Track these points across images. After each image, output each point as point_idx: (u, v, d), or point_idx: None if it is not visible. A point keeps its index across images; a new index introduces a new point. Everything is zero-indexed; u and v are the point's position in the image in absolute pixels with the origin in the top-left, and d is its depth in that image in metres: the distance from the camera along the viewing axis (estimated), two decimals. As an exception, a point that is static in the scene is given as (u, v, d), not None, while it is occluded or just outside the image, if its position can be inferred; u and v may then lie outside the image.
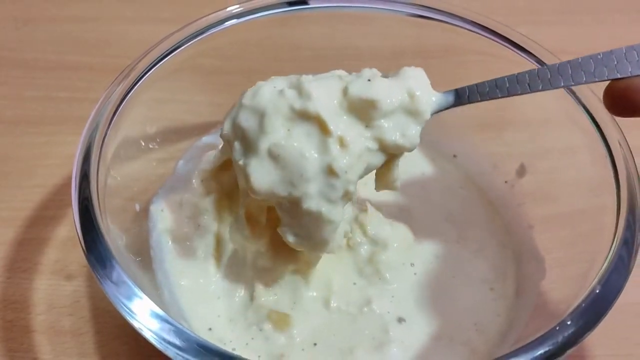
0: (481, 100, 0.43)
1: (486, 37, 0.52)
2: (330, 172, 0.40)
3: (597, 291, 0.37)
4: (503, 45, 0.52)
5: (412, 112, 0.41)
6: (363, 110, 0.40)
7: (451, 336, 0.46)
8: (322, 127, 0.40)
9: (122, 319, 0.38)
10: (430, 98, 0.42)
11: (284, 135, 0.40)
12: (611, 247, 0.40)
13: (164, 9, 0.79)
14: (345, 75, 0.43)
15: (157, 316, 0.37)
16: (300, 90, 0.41)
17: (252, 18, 0.54)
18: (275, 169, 0.40)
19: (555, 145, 0.47)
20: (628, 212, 0.41)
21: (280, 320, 0.46)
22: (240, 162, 0.41)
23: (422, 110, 0.41)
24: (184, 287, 0.47)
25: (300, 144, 0.40)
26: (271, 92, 0.41)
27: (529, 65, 0.51)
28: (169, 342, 0.36)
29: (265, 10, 0.54)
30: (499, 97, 0.42)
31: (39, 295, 0.52)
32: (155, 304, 0.37)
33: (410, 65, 0.56)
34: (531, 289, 0.48)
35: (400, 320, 0.47)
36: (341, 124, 0.40)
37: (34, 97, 0.68)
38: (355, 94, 0.40)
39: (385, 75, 0.43)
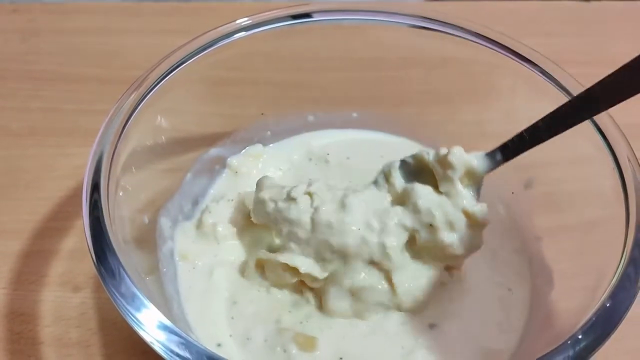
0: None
1: (489, 47, 0.53)
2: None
3: (608, 305, 0.37)
4: (506, 55, 0.53)
5: (472, 225, 0.45)
6: (435, 250, 0.46)
7: (477, 338, 0.46)
8: (389, 279, 0.46)
9: (129, 331, 0.37)
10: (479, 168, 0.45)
11: (364, 277, 0.46)
12: (620, 262, 0.39)
13: (169, 21, 0.79)
14: (403, 214, 0.46)
15: (166, 328, 0.37)
16: (382, 248, 0.45)
17: (258, 31, 0.54)
18: (353, 301, 0.47)
19: (562, 156, 0.47)
20: (637, 229, 0.41)
21: (307, 343, 0.45)
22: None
23: (481, 220, 0.45)
24: (195, 308, 0.48)
25: (376, 285, 0.46)
26: (355, 235, 0.45)
27: (533, 76, 0.51)
28: (177, 354, 0.36)
29: (270, 24, 0.54)
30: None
31: (46, 307, 0.52)
32: (164, 316, 0.37)
33: (414, 74, 0.58)
34: (541, 299, 0.48)
35: (432, 326, 0.47)
36: (406, 275, 0.47)
37: (40, 109, 0.68)
38: (425, 242, 0.46)
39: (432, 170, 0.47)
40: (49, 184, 0.60)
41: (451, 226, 0.45)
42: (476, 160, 0.45)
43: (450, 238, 0.45)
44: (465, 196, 0.45)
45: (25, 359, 0.49)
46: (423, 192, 0.46)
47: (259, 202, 0.48)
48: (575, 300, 0.43)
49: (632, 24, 0.78)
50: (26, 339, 0.50)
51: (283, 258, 0.47)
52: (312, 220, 0.46)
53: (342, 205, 0.46)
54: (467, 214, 0.45)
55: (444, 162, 0.46)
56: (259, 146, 0.58)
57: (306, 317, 0.47)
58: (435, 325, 0.47)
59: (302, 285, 0.48)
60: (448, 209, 0.45)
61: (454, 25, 0.54)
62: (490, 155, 0.45)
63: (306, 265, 0.47)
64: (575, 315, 0.39)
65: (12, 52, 0.74)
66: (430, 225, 0.45)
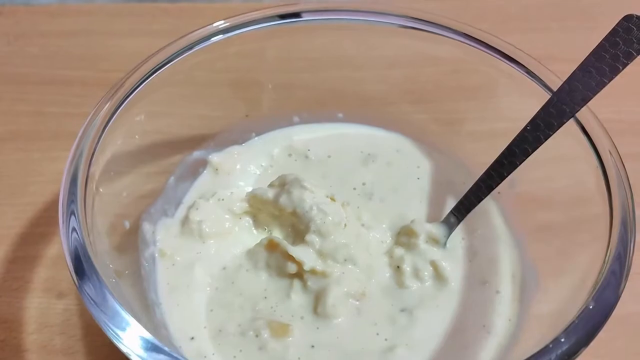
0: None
1: (473, 46, 0.52)
2: None
3: (591, 307, 0.37)
4: (490, 54, 0.52)
5: (440, 278, 0.49)
6: None
7: (461, 339, 0.46)
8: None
9: (113, 338, 0.37)
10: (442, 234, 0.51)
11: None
12: (605, 260, 0.39)
13: (156, 22, 0.79)
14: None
15: (148, 343, 0.36)
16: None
17: (243, 31, 0.53)
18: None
19: (545, 155, 0.47)
20: (621, 225, 0.40)
21: (280, 329, 0.45)
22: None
23: (446, 277, 0.49)
24: (172, 304, 0.47)
25: None
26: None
27: (517, 74, 0.51)
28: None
29: (257, 24, 0.54)
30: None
31: (30, 313, 0.52)
32: (146, 325, 0.37)
33: (401, 73, 0.57)
34: (527, 300, 0.48)
35: (414, 323, 0.47)
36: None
37: (26, 112, 0.68)
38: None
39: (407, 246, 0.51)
40: (33, 189, 0.60)
41: (421, 278, 0.49)
42: (434, 228, 0.50)
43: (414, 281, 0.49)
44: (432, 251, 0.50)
45: (10, 366, 0.49)
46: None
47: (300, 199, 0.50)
48: (561, 300, 0.43)
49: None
50: (10, 346, 0.50)
51: (292, 250, 0.48)
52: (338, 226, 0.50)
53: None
54: (433, 265, 0.49)
55: (408, 232, 0.51)
56: (237, 146, 0.58)
57: (283, 305, 0.48)
58: (417, 323, 0.47)
59: (297, 278, 0.48)
60: (420, 265, 0.49)
61: (440, 25, 0.54)
62: (446, 220, 0.51)
63: (312, 262, 0.47)
64: (561, 316, 0.39)
65: (-3, 55, 0.74)
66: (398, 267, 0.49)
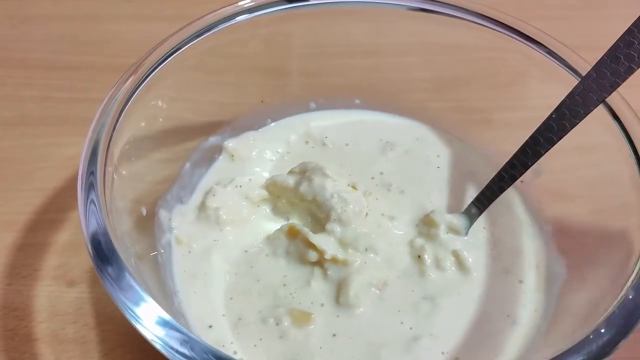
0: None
1: (495, 30, 0.51)
2: None
3: (630, 297, 0.36)
4: (513, 38, 0.51)
5: (462, 268, 0.48)
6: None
7: (485, 330, 0.45)
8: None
9: (127, 326, 0.36)
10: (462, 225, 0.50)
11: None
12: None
13: (163, 7, 0.77)
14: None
15: (165, 323, 0.35)
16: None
17: (255, 15, 0.52)
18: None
19: (573, 143, 0.46)
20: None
21: (302, 318, 0.45)
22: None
23: (468, 266, 0.48)
24: (189, 292, 0.46)
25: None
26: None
27: (543, 60, 0.49)
28: (177, 351, 0.34)
29: (267, 8, 0.52)
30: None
31: (40, 302, 0.51)
32: (164, 309, 0.36)
33: (420, 59, 0.56)
34: (553, 291, 0.47)
35: (437, 313, 0.46)
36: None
37: (32, 97, 0.66)
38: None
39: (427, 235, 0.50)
40: (41, 175, 0.59)
41: (445, 270, 0.48)
42: (455, 219, 0.49)
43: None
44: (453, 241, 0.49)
45: (20, 356, 0.48)
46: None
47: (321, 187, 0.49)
48: (592, 292, 0.42)
49: (635, 8, 0.76)
50: (21, 335, 0.49)
51: (313, 238, 0.47)
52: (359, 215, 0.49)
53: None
54: (455, 255, 0.48)
55: (428, 222, 0.50)
56: (253, 132, 0.57)
57: (302, 292, 0.47)
58: (440, 311, 0.46)
59: (317, 265, 0.48)
60: (442, 258, 0.48)
61: (458, 7, 0.52)
62: (467, 211, 0.50)
63: (333, 251, 0.47)
64: (592, 308, 0.38)
65: (2, 40, 0.72)
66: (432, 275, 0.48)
